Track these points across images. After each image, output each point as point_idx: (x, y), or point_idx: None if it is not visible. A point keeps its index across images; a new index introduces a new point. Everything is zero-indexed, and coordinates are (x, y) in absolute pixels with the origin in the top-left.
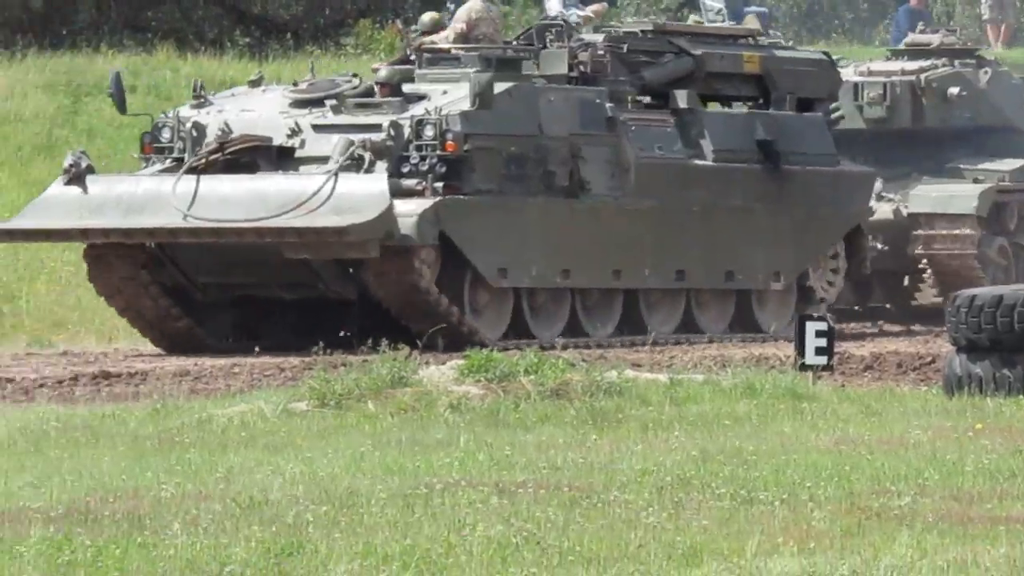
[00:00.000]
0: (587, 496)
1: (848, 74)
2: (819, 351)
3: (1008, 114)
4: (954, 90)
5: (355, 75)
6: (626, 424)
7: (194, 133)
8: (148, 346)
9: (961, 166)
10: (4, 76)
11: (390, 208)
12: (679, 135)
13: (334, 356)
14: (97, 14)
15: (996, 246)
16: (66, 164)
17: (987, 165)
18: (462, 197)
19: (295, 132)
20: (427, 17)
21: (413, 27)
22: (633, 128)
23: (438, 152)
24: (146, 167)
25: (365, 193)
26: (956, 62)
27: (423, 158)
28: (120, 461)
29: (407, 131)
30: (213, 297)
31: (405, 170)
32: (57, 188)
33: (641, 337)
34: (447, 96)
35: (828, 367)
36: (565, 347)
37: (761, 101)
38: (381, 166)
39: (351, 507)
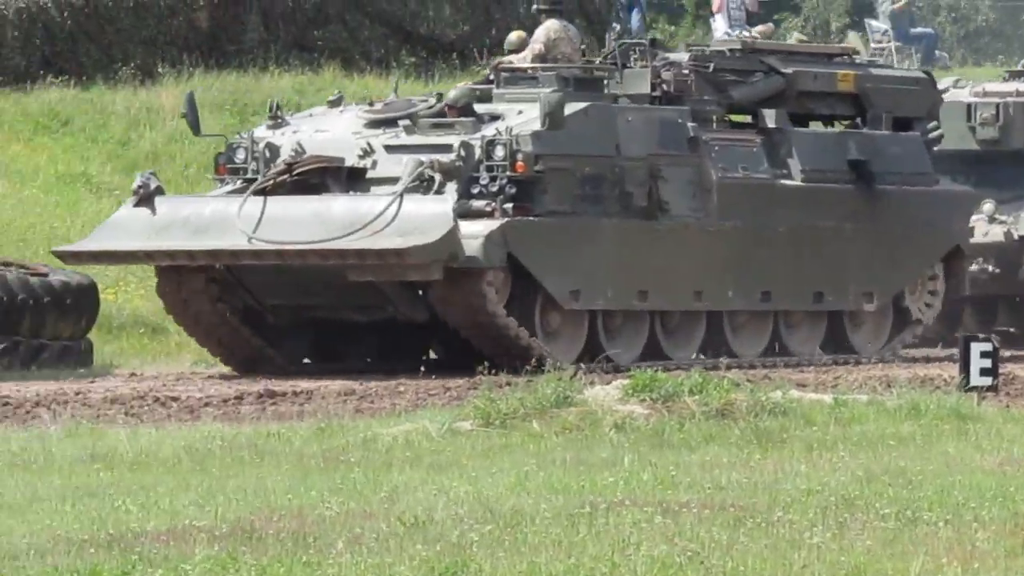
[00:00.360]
0: (751, 516)
1: (962, 95)
2: (984, 372)
3: None
4: None
5: (439, 95)
6: (790, 444)
7: (267, 154)
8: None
9: None
10: (171, 95)
11: (454, 229)
12: (765, 155)
13: (499, 376)
14: (265, 33)
15: None
16: (135, 185)
17: None
18: (532, 218)
19: (367, 153)
20: (514, 36)
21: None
22: (716, 148)
23: (508, 173)
24: (220, 188)
25: (429, 214)
26: None
27: (493, 179)
28: (284, 480)
29: (478, 152)
30: (285, 319)
31: (475, 191)
32: (126, 210)
33: (725, 360)
34: (522, 116)
35: (992, 388)
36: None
37: (857, 120)
38: (451, 187)
39: (515, 526)
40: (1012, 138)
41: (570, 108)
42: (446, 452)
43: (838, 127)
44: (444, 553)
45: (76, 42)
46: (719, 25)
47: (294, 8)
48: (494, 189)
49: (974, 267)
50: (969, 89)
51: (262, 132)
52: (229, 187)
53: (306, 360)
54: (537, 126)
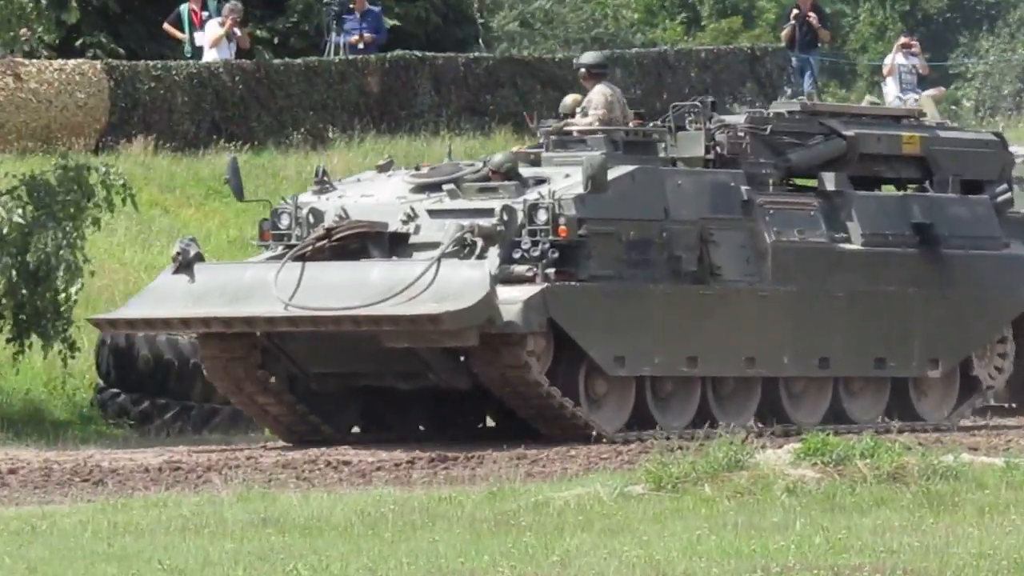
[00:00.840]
0: None
1: None
2: None
3: None
4: None
5: (485, 160)
6: (962, 508)
7: (311, 219)
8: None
9: None
10: (342, 160)
11: (490, 295)
12: (824, 218)
13: (670, 440)
14: (436, 97)
15: None
16: (174, 252)
17: None
18: (574, 283)
19: (411, 217)
20: (569, 100)
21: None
22: (772, 211)
23: (551, 237)
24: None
25: (465, 279)
26: None
27: (535, 243)
28: (456, 544)
29: (520, 216)
30: (329, 387)
31: (517, 256)
32: (165, 276)
33: (783, 426)
34: (568, 180)
35: None
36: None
37: (925, 183)
38: (493, 252)
39: None
40: None
41: (616, 171)
42: (618, 516)
43: (908, 190)
44: None
45: (247, 107)
46: (890, 89)
47: (465, 73)
48: (536, 253)
49: None
50: None
51: (307, 197)
52: (270, 253)
53: (355, 429)
54: (581, 189)
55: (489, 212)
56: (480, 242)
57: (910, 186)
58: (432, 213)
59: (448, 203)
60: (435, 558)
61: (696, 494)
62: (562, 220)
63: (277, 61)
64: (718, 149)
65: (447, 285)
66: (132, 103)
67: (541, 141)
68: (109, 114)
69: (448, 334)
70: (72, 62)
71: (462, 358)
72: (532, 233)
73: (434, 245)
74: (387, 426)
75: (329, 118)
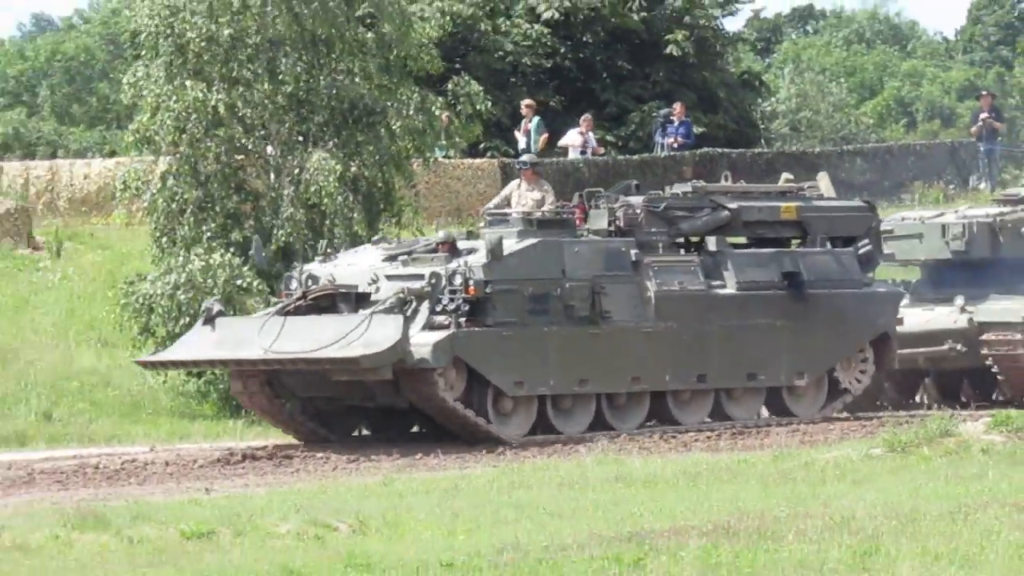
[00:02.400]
0: None
1: (948, 218)
2: None
3: None
4: None
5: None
6: None
7: (309, 283)
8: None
9: (1019, 284)
10: None
11: (401, 341)
12: (702, 271)
13: (899, 415)
14: (732, 181)
15: None
16: (202, 309)
17: None
18: (477, 329)
19: (374, 281)
20: (506, 190)
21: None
22: (656, 268)
23: (462, 295)
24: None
25: (383, 330)
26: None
27: (452, 300)
28: (751, 492)
29: (443, 279)
30: (320, 407)
31: (439, 309)
32: (196, 328)
33: (671, 428)
34: (482, 252)
35: None
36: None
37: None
38: (424, 307)
39: (913, 521)
40: (977, 249)
41: (523, 244)
42: (863, 471)
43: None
44: (862, 541)
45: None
46: None
47: (751, 163)
48: (452, 308)
49: (945, 346)
50: (954, 213)
51: (312, 266)
52: (272, 309)
53: (354, 433)
54: (485, 259)
55: (421, 277)
56: (414, 300)
57: (794, 242)
58: (389, 277)
59: (400, 269)
60: (736, 501)
61: (919, 454)
62: (471, 282)
63: (620, 157)
64: (618, 223)
65: (372, 335)
66: None
67: (483, 221)
68: None
69: (368, 371)
70: (476, 161)
71: (398, 387)
72: (451, 292)
73: (384, 303)
74: (379, 431)
75: None
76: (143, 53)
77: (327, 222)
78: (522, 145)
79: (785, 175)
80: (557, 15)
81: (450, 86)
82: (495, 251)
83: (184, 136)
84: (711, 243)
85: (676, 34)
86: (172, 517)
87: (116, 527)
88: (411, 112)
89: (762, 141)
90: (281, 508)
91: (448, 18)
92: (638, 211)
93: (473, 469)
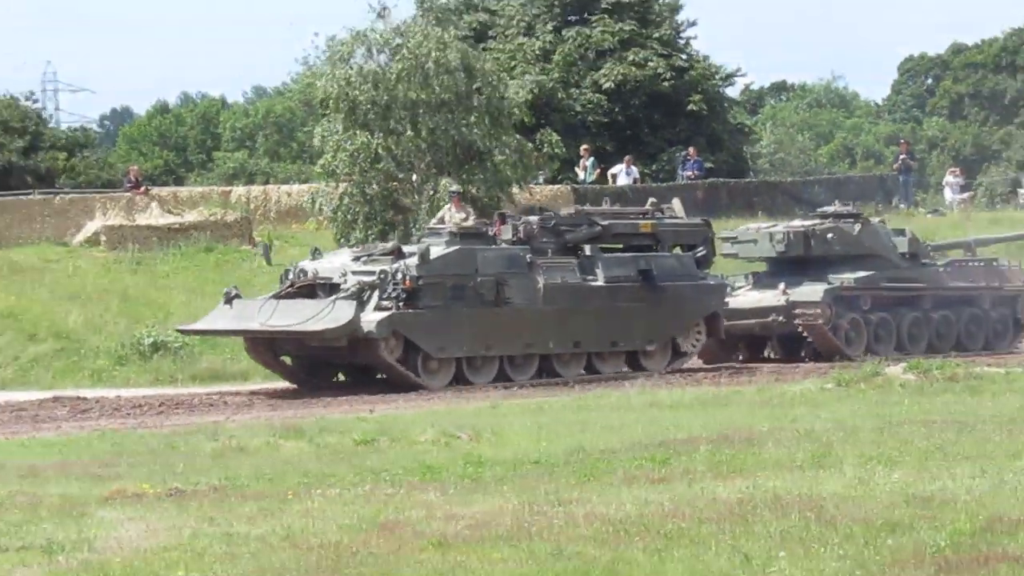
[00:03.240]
0: (970, 424)
1: (775, 228)
2: None
3: (873, 247)
4: (831, 235)
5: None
6: (984, 391)
7: (302, 275)
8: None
9: (830, 275)
10: None
11: (354, 319)
12: (579, 269)
13: (845, 363)
14: (728, 200)
15: (849, 318)
16: (224, 292)
17: (847, 275)
18: (411, 311)
19: (344, 274)
20: (442, 212)
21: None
22: (545, 267)
23: (401, 287)
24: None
25: (342, 311)
26: (841, 220)
27: (394, 289)
28: (740, 414)
29: (390, 275)
30: (310, 363)
31: (384, 296)
32: (219, 307)
33: (554, 380)
34: (416, 256)
35: None
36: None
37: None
38: (376, 295)
39: (853, 433)
40: (793, 250)
41: (447, 250)
42: (820, 399)
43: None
44: (819, 447)
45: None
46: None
47: (746, 187)
48: (394, 295)
49: (770, 318)
50: (783, 225)
51: (304, 263)
52: (270, 294)
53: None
54: (417, 261)
55: (375, 273)
56: (368, 289)
57: (655, 249)
58: (353, 272)
59: (362, 267)
60: (732, 420)
61: (856, 388)
62: (408, 278)
63: (653, 184)
64: (520, 235)
65: (334, 314)
66: None
67: (423, 231)
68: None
69: (330, 340)
70: (555, 186)
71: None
72: (394, 284)
73: (347, 291)
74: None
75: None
76: (327, 112)
77: None
78: (581, 177)
79: (651, 199)
80: (612, 85)
81: (538, 136)
82: (424, 256)
83: (356, 169)
84: (587, 249)
85: (694, 96)
86: (347, 429)
87: (309, 436)
88: (510, 152)
89: (751, 173)
90: (422, 423)
91: (536, 88)
92: (534, 227)
93: (552, 397)
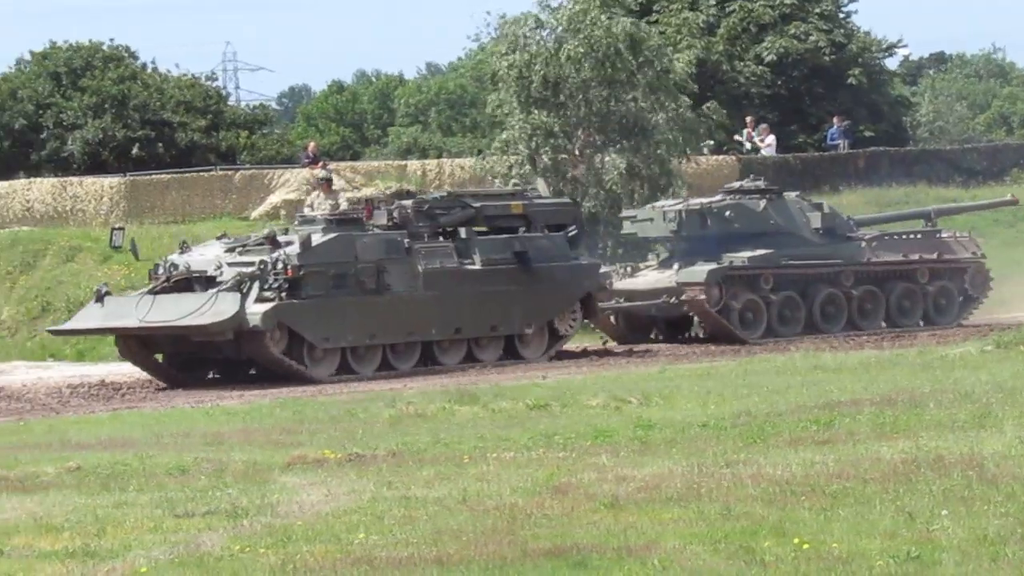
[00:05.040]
0: None
1: (668, 206)
2: None
3: (781, 224)
4: (729, 213)
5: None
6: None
7: (172, 269)
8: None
9: (725, 254)
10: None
11: (239, 312)
12: (456, 253)
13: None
14: (889, 168)
15: (744, 299)
16: (95, 290)
17: (742, 253)
18: (295, 301)
19: (219, 267)
20: (311, 197)
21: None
22: (424, 252)
23: (283, 276)
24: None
25: (225, 304)
26: (745, 197)
27: (276, 279)
28: (903, 375)
29: (270, 265)
30: (183, 360)
31: (266, 287)
32: (90, 305)
33: (434, 367)
34: (296, 244)
35: None
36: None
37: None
38: (256, 286)
39: (1012, 394)
40: (687, 229)
41: (326, 237)
42: (980, 361)
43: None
44: (980, 408)
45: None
46: None
47: (904, 155)
48: (276, 286)
49: (661, 299)
50: (680, 202)
51: (173, 256)
52: (144, 290)
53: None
54: (299, 249)
55: (255, 263)
56: (247, 280)
57: (522, 230)
58: (229, 264)
59: (238, 258)
60: (894, 382)
61: (1016, 350)
62: (289, 267)
63: (816, 154)
64: (395, 220)
65: (218, 307)
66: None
67: (295, 220)
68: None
69: (216, 333)
70: (721, 157)
71: (240, 344)
72: (275, 274)
73: (226, 283)
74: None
75: (836, 183)
76: (499, 86)
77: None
78: (747, 147)
79: (513, 181)
80: (774, 58)
81: (704, 107)
82: (306, 243)
83: (532, 142)
84: (462, 232)
85: (855, 70)
86: (520, 394)
87: (483, 401)
88: (673, 122)
89: (911, 142)
90: (592, 388)
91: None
92: (408, 211)
93: (719, 362)
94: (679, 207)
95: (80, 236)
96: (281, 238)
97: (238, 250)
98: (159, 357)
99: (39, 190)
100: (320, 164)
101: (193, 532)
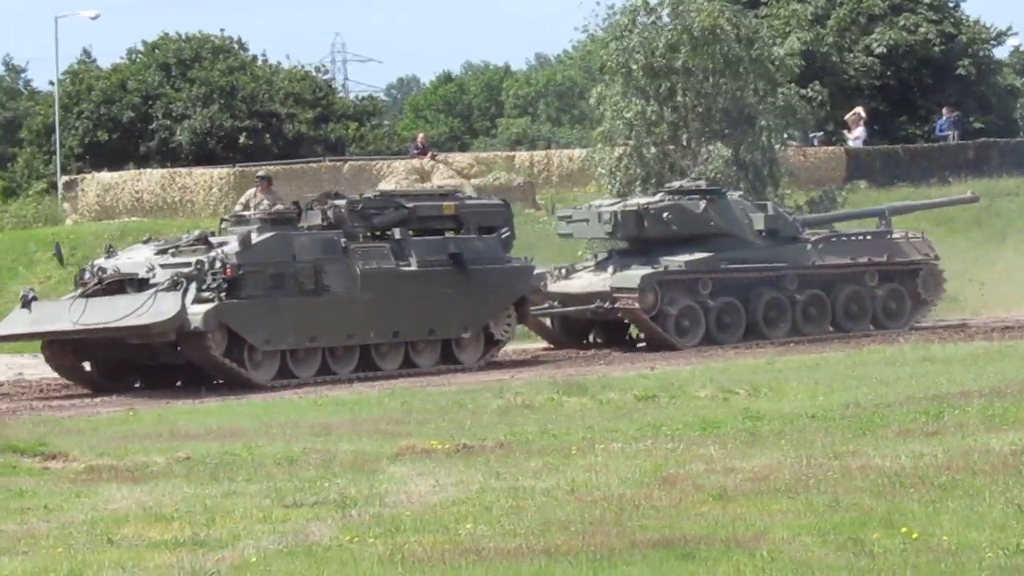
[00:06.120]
0: None
1: (603, 207)
2: None
3: (723, 225)
4: (667, 215)
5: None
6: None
7: (100, 273)
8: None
9: (663, 257)
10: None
11: (180, 312)
12: (392, 254)
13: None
14: (1000, 160)
15: (681, 305)
16: (20, 295)
17: (680, 256)
18: (235, 300)
19: (151, 269)
20: (244, 198)
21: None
22: (360, 252)
23: (222, 276)
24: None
25: (166, 304)
26: (684, 198)
27: (214, 279)
28: (1013, 367)
29: (207, 264)
30: (113, 366)
31: (204, 287)
32: (16, 311)
33: (372, 373)
34: (234, 243)
35: None
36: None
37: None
38: (192, 286)
39: None
40: (622, 231)
41: (264, 236)
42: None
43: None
44: None
45: (880, 170)
46: None
47: (1003, 148)
48: (215, 286)
49: (595, 304)
50: (620, 204)
51: (100, 260)
52: (74, 294)
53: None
54: (238, 248)
55: (190, 264)
56: (184, 281)
57: (458, 231)
58: (163, 266)
59: (171, 259)
60: (1004, 373)
61: None
62: (228, 266)
63: (913, 146)
64: (329, 220)
65: (158, 307)
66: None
67: (223, 220)
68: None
69: (157, 334)
70: (828, 148)
71: (178, 347)
72: (213, 274)
73: (162, 284)
74: (147, 384)
75: (944, 175)
76: (606, 78)
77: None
78: (853, 138)
79: (439, 184)
80: (884, 49)
81: (808, 91)
82: (245, 241)
83: (633, 133)
84: (396, 233)
85: (964, 60)
86: (628, 386)
87: (591, 392)
88: (779, 111)
89: (1021, 133)
90: (700, 380)
91: (807, 45)
92: (343, 210)
93: (828, 353)
94: (615, 208)
95: (190, 226)
96: (215, 239)
97: (170, 251)
98: (86, 365)
99: (148, 180)
100: (429, 155)
101: (302, 522)
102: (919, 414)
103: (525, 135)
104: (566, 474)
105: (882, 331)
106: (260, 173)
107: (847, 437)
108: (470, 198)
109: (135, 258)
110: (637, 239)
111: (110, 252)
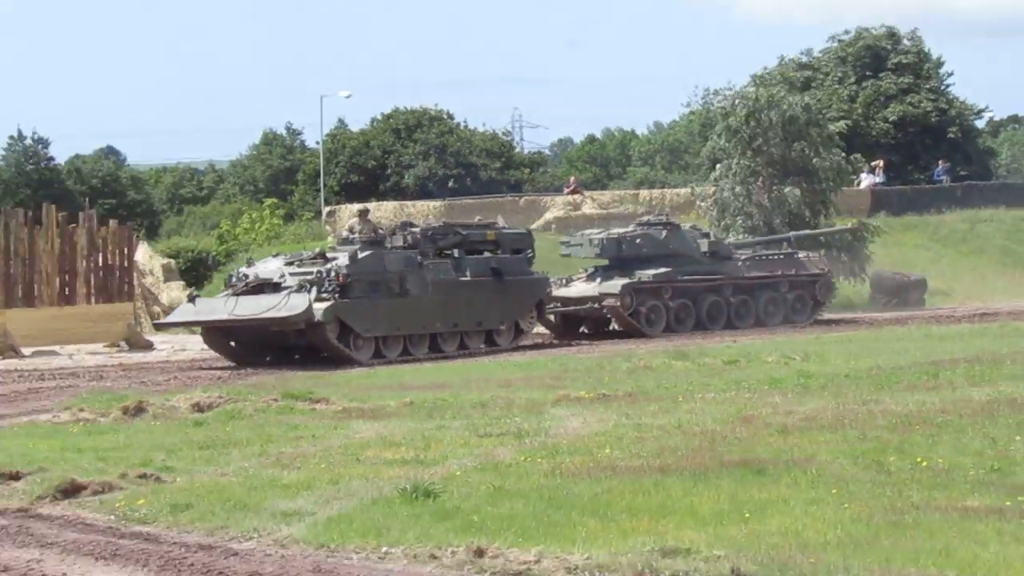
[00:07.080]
0: None
1: (593, 234)
2: None
3: (678, 248)
4: (639, 240)
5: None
6: None
7: (244, 278)
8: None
9: (637, 271)
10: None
11: (308, 308)
12: (453, 268)
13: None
14: None
15: (649, 305)
16: (187, 295)
17: (648, 271)
18: (346, 300)
19: (282, 276)
20: (351, 222)
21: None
22: (431, 267)
23: (336, 282)
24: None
25: (298, 302)
26: (651, 228)
27: (330, 284)
28: (987, 342)
29: (325, 273)
30: (248, 346)
31: (323, 290)
32: (184, 304)
33: (440, 353)
34: (346, 258)
35: None
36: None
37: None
38: (315, 289)
39: None
40: (607, 253)
41: (365, 253)
42: None
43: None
44: None
45: (899, 209)
46: None
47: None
48: (331, 289)
49: (587, 305)
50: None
51: (243, 268)
52: (226, 293)
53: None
54: (347, 262)
55: (312, 272)
56: (308, 285)
57: (497, 252)
58: (291, 274)
59: (297, 269)
60: (980, 347)
61: None
62: (341, 275)
63: (920, 187)
64: (408, 243)
65: (292, 303)
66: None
67: (336, 241)
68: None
69: (292, 324)
70: (859, 188)
71: (304, 333)
72: (329, 281)
73: (292, 287)
74: (283, 362)
75: (940, 207)
76: (718, 133)
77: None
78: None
79: (478, 217)
80: (897, 119)
81: (852, 157)
82: (352, 257)
83: (729, 175)
84: (455, 252)
85: (953, 128)
86: (717, 353)
87: (691, 357)
88: (830, 166)
89: (994, 178)
90: (768, 349)
91: (849, 124)
92: (418, 235)
93: (857, 332)
94: (601, 236)
95: None
96: (330, 255)
97: (296, 263)
98: (232, 344)
99: (384, 210)
100: (579, 192)
101: (490, 447)
102: (922, 374)
103: (647, 179)
104: (674, 415)
105: (791, 324)
106: (358, 209)
107: (871, 390)
108: (505, 228)
109: (269, 267)
110: (617, 258)
111: (250, 263)
